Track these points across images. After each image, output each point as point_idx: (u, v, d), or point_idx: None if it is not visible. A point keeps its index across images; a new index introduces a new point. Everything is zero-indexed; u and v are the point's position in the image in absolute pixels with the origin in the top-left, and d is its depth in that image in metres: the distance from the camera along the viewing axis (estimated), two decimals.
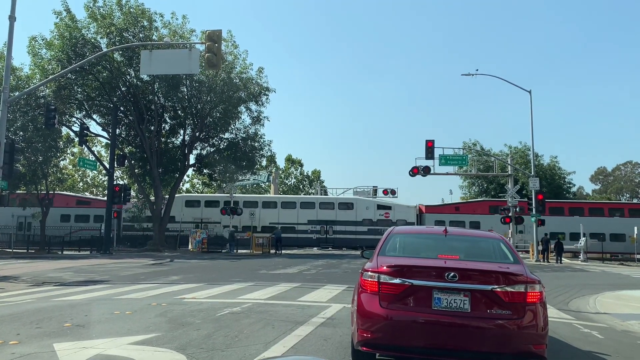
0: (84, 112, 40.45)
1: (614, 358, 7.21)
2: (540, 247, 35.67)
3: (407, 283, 5.55)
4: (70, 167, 55.59)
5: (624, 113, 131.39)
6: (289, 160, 79.97)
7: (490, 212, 45.05)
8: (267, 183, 67.15)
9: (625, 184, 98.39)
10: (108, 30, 36.63)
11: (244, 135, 42.54)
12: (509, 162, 42.57)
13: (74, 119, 40.65)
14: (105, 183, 52.04)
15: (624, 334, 9.40)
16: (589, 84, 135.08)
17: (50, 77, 30.89)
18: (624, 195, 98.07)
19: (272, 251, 38.94)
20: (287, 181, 78.77)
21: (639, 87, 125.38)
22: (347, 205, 47.57)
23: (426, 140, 37.00)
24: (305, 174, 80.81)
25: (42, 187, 40.52)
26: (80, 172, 61.33)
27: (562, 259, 34.71)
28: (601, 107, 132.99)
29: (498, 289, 5.44)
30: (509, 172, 41.32)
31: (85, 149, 44.42)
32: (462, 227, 41.25)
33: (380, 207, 47.15)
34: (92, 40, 37.49)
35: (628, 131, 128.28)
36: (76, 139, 39.22)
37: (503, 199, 46.95)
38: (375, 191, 53.61)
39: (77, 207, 42.45)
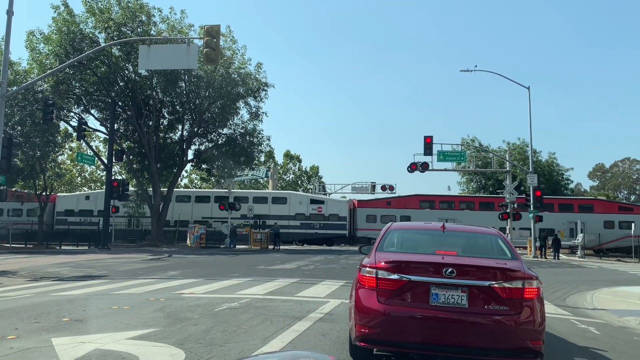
0: (82, 107, 40.37)
1: (611, 354, 7.24)
2: (537, 243, 35.75)
3: (404, 279, 5.56)
4: (69, 162, 55.46)
5: (623, 109, 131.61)
6: (288, 155, 79.94)
7: (420, 207, 45.77)
8: (265, 179, 67.13)
9: (623, 181, 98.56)
10: (106, 25, 36.52)
11: (242, 131, 42.48)
12: (507, 159, 42.56)
13: (72, 114, 40.58)
14: (103, 178, 51.91)
15: (620, 330, 9.44)
16: (588, 80, 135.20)
17: (48, 71, 30.80)
18: (622, 192, 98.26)
19: (271, 247, 39.01)
20: (285, 177, 78.77)
21: (637, 83, 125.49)
22: (280, 200, 47.34)
23: (424, 136, 36.99)
24: (303, 169, 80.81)
25: (40, 182, 40.45)
26: (78, 167, 61.21)
27: (560, 255, 34.81)
28: (600, 104, 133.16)
29: (495, 285, 5.45)
30: (507, 169, 41.32)
31: (84, 144, 44.32)
32: (393, 220, 42.10)
33: (313, 201, 46.94)
34: (90, 34, 37.38)
35: (626, 128, 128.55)
36: (74, 134, 39.12)
37: (433, 194, 47.63)
38: (373, 187, 53.58)
39: (8, 202, 42.39)
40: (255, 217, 44.70)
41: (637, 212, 44.44)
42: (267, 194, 50.29)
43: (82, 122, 36.89)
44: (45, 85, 36.71)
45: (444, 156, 38.57)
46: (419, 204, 46.35)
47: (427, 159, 37.76)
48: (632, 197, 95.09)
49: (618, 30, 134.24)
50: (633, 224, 39.33)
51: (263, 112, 42.49)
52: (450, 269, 5.48)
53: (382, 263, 5.73)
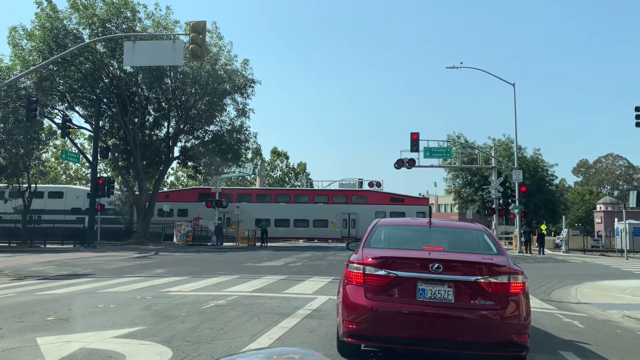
0: (66, 104, 39.89)
1: (595, 347, 7.34)
2: (522, 239, 36.03)
3: (391, 274, 5.58)
4: (53, 159, 54.83)
5: (607, 106, 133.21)
6: (275, 152, 79.77)
7: (199, 200, 46.25)
8: (252, 176, 66.91)
9: (607, 176, 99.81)
10: (90, 21, 36.11)
11: (229, 128, 42.29)
12: (492, 155, 42.86)
13: (56, 111, 40.10)
14: (88, 176, 51.39)
15: (604, 324, 9.57)
16: (572, 77, 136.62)
17: (32, 68, 30.40)
18: (605, 187, 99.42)
19: (258, 244, 38.93)
20: (272, 174, 78.61)
21: (620, 81, 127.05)
22: (56, 194, 46.53)
23: (411, 133, 37.03)
24: (291, 166, 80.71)
25: (24, 180, 39.92)
26: (63, 165, 60.56)
27: (545, 250, 35.14)
28: (584, 100, 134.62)
29: (481, 280, 5.49)
30: (493, 165, 41.62)
31: (68, 141, 43.81)
32: (170, 214, 42.22)
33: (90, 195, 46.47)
34: (74, 31, 36.93)
35: (610, 124, 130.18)
36: (58, 131, 38.66)
37: (210, 187, 48.65)
38: (360, 183, 53.62)
39: None
40: (31, 212, 42.44)
41: (408, 203, 45.94)
42: (43, 188, 47.96)
43: (66, 119, 36.44)
44: (29, 82, 36.21)
45: (430, 153, 38.73)
46: (197, 197, 46.91)
47: (414, 155, 37.92)
48: (615, 193, 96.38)
49: (603, 27, 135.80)
50: (405, 214, 40.70)
51: (250, 109, 42.41)
52: (436, 265, 5.52)
53: (370, 259, 5.74)
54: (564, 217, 42.78)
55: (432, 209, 55.90)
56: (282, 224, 44.76)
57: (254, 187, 51.36)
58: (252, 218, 43.81)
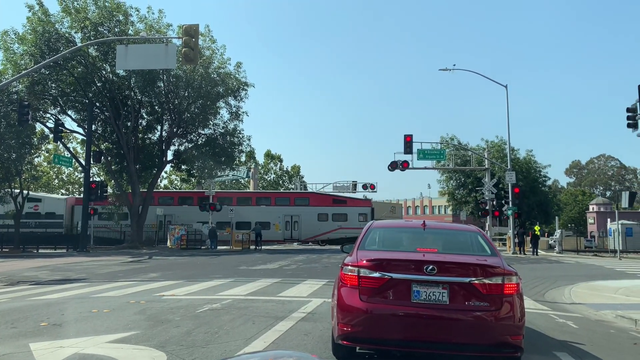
0: (58, 108, 39.68)
1: (589, 347, 7.37)
2: (516, 240, 36.13)
3: (386, 276, 5.59)
4: (45, 164, 54.50)
5: (599, 107, 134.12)
6: (268, 155, 79.69)
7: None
8: (246, 179, 66.83)
9: (599, 177, 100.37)
10: (82, 25, 35.98)
11: (222, 131, 42.17)
12: (485, 156, 43.02)
13: (48, 115, 39.89)
14: (81, 180, 51.14)
15: (597, 324, 9.61)
16: (565, 78, 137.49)
17: (23, 72, 30.21)
18: (598, 188, 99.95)
19: (252, 247, 38.85)
20: (266, 177, 78.53)
21: (613, 81, 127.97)
22: None
23: (404, 135, 37.03)
24: (284, 169, 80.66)
25: (16, 185, 39.65)
26: (55, 169, 60.22)
27: (538, 250, 35.26)
28: (576, 102, 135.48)
29: (476, 281, 5.51)
30: (486, 166, 41.75)
31: (61, 145, 43.53)
32: (112, 218, 41.98)
33: (30, 199, 44.65)
34: (66, 34, 36.80)
35: (602, 125, 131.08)
36: (51, 136, 38.44)
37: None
38: (354, 186, 53.59)
39: None
40: None
41: (350, 205, 46.07)
42: None
43: (58, 124, 36.25)
44: (20, 86, 36.01)
45: (423, 154, 38.79)
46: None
47: (407, 157, 37.93)
48: (608, 193, 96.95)
49: (595, 28, 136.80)
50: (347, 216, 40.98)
51: (243, 112, 42.28)
52: (431, 266, 5.52)
53: (364, 261, 5.74)
54: (557, 218, 42.90)
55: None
56: (224, 226, 44.09)
57: (196, 191, 50.91)
58: (193, 220, 43.37)
